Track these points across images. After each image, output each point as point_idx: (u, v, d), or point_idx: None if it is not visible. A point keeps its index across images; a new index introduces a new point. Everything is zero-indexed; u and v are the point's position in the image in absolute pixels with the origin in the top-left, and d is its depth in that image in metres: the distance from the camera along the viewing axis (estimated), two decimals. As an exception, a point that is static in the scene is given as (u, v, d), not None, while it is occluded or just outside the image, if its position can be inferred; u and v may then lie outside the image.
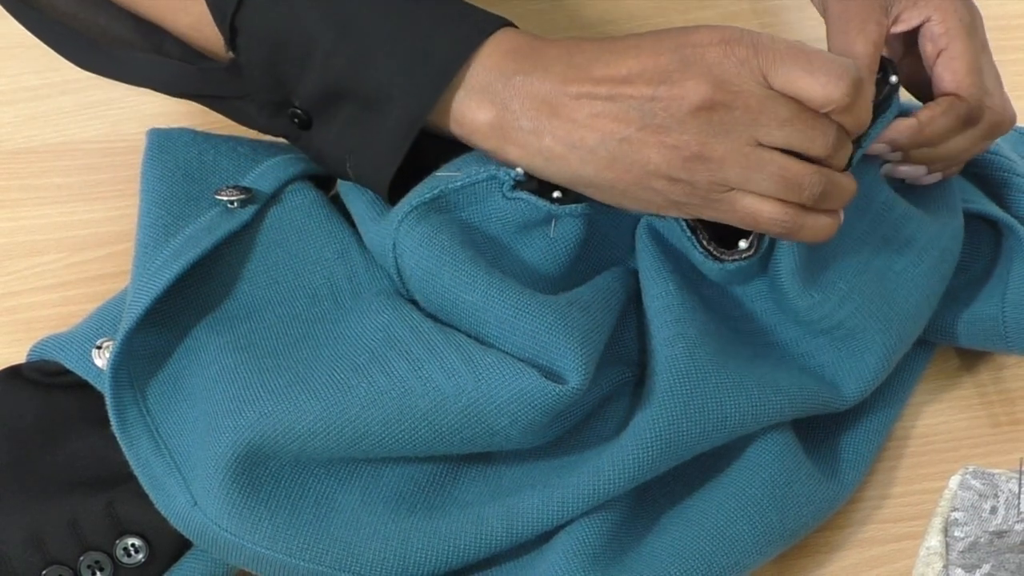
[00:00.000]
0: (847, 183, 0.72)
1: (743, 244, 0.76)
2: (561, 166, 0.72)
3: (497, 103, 0.72)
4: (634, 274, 0.79)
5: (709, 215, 0.72)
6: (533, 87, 0.71)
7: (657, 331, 0.76)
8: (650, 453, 0.73)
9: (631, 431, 0.74)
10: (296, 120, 0.77)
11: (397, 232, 0.74)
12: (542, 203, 0.75)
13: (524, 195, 0.75)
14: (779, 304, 0.78)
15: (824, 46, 0.79)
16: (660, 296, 0.76)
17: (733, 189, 0.70)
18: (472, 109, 0.73)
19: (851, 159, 0.74)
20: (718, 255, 0.76)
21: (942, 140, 0.79)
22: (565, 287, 0.77)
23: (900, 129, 0.78)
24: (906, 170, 0.81)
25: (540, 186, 0.75)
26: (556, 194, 0.75)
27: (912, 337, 0.81)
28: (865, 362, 0.78)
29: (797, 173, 0.70)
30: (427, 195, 0.74)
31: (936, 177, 0.82)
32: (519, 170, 0.74)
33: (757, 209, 0.71)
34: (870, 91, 0.73)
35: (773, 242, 0.76)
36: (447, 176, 0.75)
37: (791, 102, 0.69)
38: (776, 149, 0.70)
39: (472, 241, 0.75)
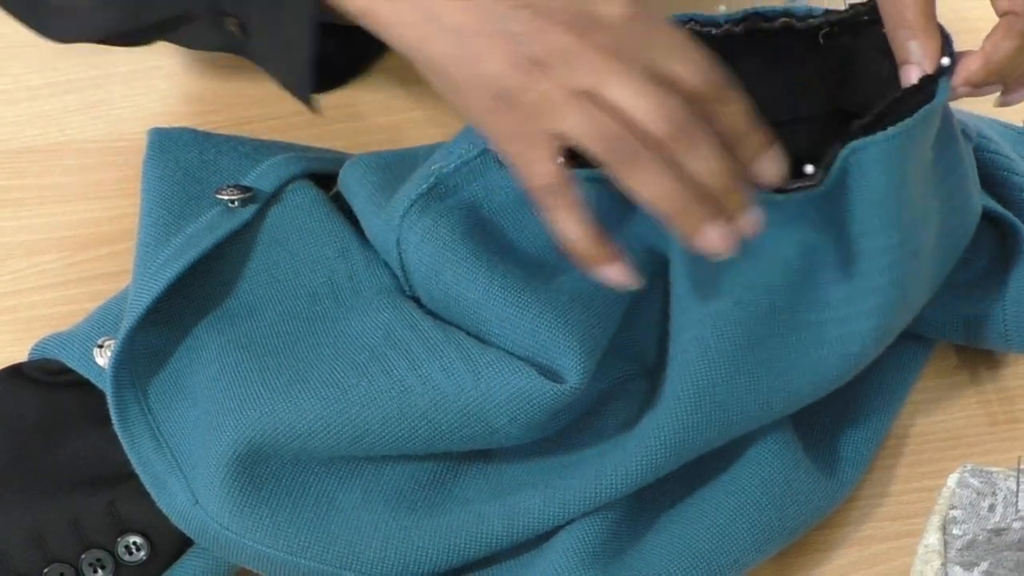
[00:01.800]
0: (670, 184, 0.67)
1: (809, 169, 0.72)
2: (408, 34, 0.69)
3: None
4: (653, 259, 0.77)
5: (504, 153, 0.69)
6: None
7: (676, 331, 0.75)
8: (654, 460, 0.73)
9: (636, 437, 0.74)
10: (235, 28, 0.77)
11: (400, 228, 0.74)
12: None
13: None
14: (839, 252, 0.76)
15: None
16: (685, 295, 0.74)
17: (537, 134, 0.67)
18: None
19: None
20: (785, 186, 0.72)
21: (1013, 64, 0.76)
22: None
23: (970, 67, 0.75)
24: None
25: None
26: (559, 160, 0.74)
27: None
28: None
29: (605, 122, 0.65)
30: (424, 185, 0.74)
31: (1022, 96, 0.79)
32: None
33: (533, 163, 0.67)
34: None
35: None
36: (439, 165, 0.75)
37: (649, 69, 0.66)
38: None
39: (477, 226, 0.74)
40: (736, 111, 0.68)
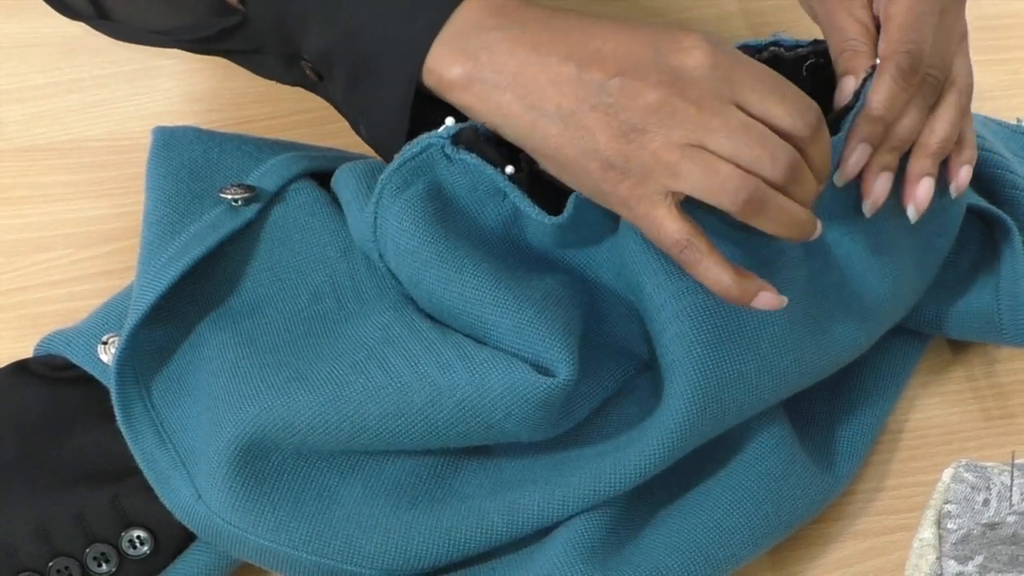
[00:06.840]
0: (796, 211, 0.70)
1: None
2: (515, 125, 0.71)
3: (469, 55, 0.72)
4: (619, 275, 0.78)
5: (627, 216, 0.71)
6: (505, 43, 0.71)
7: (658, 334, 0.76)
8: (653, 458, 0.73)
9: (636, 436, 0.74)
10: (310, 71, 0.78)
11: (376, 241, 0.75)
12: (488, 170, 0.74)
13: (467, 157, 0.74)
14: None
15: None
16: (656, 292, 0.76)
17: (656, 194, 0.69)
18: (445, 62, 0.72)
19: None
20: None
21: (899, 109, 0.76)
22: (532, 259, 0.77)
23: (861, 119, 0.75)
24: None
25: (482, 143, 0.74)
26: (509, 170, 0.74)
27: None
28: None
29: (727, 176, 0.68)
30: (386, 183, 0.75)
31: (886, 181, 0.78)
32: (449, 121, 0.74)
33: (662, 223, 0.70)
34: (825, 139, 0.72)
35: None
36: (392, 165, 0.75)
37: (745, 116, 0.69)
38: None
39: (439, 222, 0.74)
40: (823, 148, 0.71)
